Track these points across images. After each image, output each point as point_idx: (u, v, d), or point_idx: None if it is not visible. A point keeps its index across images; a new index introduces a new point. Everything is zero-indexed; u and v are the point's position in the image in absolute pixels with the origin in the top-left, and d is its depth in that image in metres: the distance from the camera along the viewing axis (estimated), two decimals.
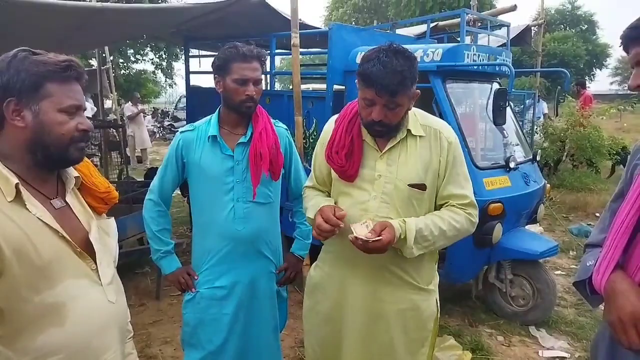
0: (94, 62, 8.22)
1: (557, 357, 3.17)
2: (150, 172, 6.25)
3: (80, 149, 1.21)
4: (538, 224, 4.92)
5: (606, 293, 1.19)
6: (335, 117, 1.79)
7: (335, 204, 1.72)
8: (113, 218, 1.41)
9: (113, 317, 1.27)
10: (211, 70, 1.96)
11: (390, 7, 21.83)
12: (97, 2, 3.81)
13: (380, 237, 1.48)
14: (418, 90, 1.59)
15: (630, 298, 1.12)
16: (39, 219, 1.12)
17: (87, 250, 1.21)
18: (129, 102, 11.29)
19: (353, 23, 21.43)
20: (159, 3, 12.37)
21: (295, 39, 3.42)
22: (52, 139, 1.15)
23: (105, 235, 1.32)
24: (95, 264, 1.22)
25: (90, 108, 11.31)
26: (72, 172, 1.29)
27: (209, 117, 2.01)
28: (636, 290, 1.13)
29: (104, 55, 8.22)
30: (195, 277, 2.00)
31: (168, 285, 2.12)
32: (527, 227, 3.97)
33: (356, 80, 1.57)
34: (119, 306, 1.30)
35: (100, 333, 1.21)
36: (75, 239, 1.19)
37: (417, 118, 1.68)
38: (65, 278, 1.15)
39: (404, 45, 1.56)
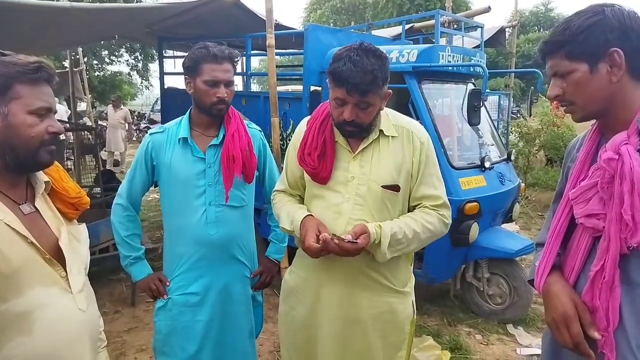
0: (67, 64, 8.03)
1: (535, 354, 3.19)
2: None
3: (50, 151, 1.18)
4: (514, 222, 4.98)
5: (543, 295, 1.25)
6: (307, 118, 1.77)
7: (308, 207, 1.70)
8: (84, 224, 1.38)
9: (84, 326, 1.23)
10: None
11: (368, 8, 22.00)
12: (67, 1, 3.71)
13: (357, 240, 1.47)
14: (390, 90, 1.58)
15: (562, 300, 1.18)
16: (6, 224, 1.10)
17: (56, 257, 1.19)
18: (110, 106, 11.06)
19: (331, 24, 21.49)
20: (135, 2, 12.19)
21: (271, 40, 3.39)
22: (21, 141, 1.13)
23: (75, 241, 1.28)
24: (65, 271, 1.19)
25: (65, 111, 11.06)
26: (42, 176, 1.26)
27: (179, 118, 1.96)
28: (568, 292, 1.19)
29: (77, 56, 8.04)
30: (167, 283, 1.95)
31: (143, 291, 2.10)
32: (503, 225, 4.02)
33: (327, 80, 1.55)
34: (90, 314, 1.26)
35: (70, 342, 1.18)
36: (44, 245, 1.16)
37: (390, 118, 1.67)
38: (34, 286, 1.12)
39: (375, 45, 1.55)
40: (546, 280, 1.25)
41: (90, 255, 1.38)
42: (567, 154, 1.39)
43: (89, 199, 1.37)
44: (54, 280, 1.17)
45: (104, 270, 4.38)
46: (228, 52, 1.85)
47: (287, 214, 1.69)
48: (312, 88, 3.81)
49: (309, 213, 1.65)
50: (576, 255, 1.20)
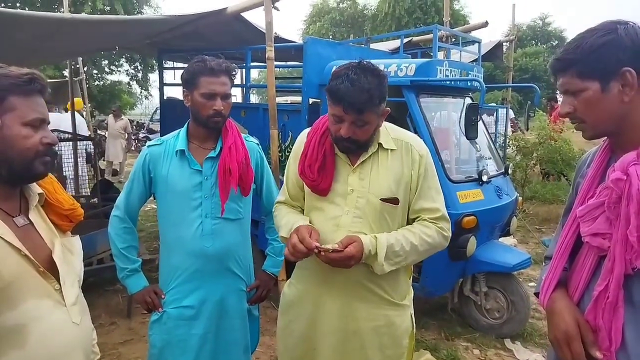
0: (67, 73, 8.08)
1: None
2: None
3: (45, 162, 1.18)
4: (512, 236, 4.98)
5: (547, 311, 1.25)
6: (307, 130, 1.78)
7: (309, 220, 1.70)
8: (78, 236, 1.37)
9: (77, 338, 1.22)
10: None
11: (367, 21, 22.18)
12: (68, 12, 3.74)
13: (341, 249, 1.47)
14: (387, 108, 1.60)
15: (565, 318, 1.18)
16: (0, 237, 1.09)
17: (50, 269, 1.18)
18: (110, 116, 11.08)
19: (330, 37, 21.64)
20: (135, 14, 12.28)
21: (270, 52, 3.42)
22: (16, 153, 1.13)
23: (69, 254, 1.28)
24: (59, 283, 1.19)
25: (60, 120, 11.06)
26: (36, 188, 1.25)
27: (177, 131, 1.97)
28: (571, 311, 1.19)
29: (77, 66, 8.07)
30: (163, 296, 1.94)
31: (139, 304, 2.10)
32: (501, 239, 4.01)
33: (326, 96, 1.57)
34: (83, 327, 1.25)
35: (63, 355, 1.17)
36: (38, 258, 1.15)
37: (389, 132, 1.68)
38: (27, 298, 1.11)
39: (375, 62, 1.57)
40: (551, 297, 1.24)
41: (87, 265, 1.37)
42: (577, 168, 1.39)
43: (82, 211, 1.37)
44: (47, 293, 1.16)
45: (101, 281, 4.36)
46: (225, 65, 1.86)
47: (287, 222, 1.69)
48: (311, 100, 3.83)
49: (310, 225, 1.65)
50: (581, 273, 1.20)
